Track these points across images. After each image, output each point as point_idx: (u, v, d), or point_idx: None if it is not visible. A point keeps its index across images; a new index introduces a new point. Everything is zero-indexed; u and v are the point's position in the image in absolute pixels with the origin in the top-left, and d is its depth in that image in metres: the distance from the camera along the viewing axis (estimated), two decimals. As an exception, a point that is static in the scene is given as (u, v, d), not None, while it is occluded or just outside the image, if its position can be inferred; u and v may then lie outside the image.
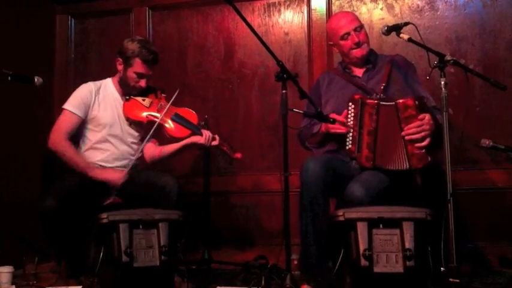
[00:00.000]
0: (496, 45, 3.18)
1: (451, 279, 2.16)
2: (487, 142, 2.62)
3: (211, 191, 3.14)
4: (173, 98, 2.78)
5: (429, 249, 2.02)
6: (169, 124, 2.78)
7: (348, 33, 2.66)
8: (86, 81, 2.95)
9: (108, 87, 2.86)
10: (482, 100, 3.15)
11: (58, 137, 2.68)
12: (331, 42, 2.80)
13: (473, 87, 3.09)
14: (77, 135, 2.79)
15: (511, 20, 3.16)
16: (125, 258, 2.08)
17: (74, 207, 2.46)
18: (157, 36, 3.74)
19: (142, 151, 2.87)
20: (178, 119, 2.79)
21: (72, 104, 2.74)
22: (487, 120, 3.15)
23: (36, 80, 2.46)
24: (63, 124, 2.71)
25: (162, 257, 2.13)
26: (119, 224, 2.11)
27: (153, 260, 2.13)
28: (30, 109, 3.41)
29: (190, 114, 2.85)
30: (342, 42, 2.69)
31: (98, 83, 2.85)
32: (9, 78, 2.37)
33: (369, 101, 2.48)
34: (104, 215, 2.14)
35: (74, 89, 2.85)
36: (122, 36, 3.03)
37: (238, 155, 2.86)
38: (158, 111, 2.78)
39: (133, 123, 2.83)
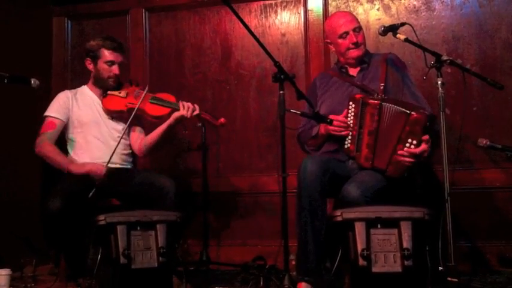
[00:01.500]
0: (493, 44, 3.17)
1: (449, 278, 2.17)
2: (484, 141, 2.62)
3: (209, 191, 3.13)
4: (147, 86, 2.86)
5: (427, 248, 2.02)
6: (149, 107, 2.83)
7: (347, 33, 2.66)
8: (83, 83, 3.00)
9: (85, 91, 2.96)
10: (479, 100, 3.15)
11: (41, 143, 2.76)
12: (328, 40, 2.79)
13: (471, 87, 3.08)
14: (63, 141, 2.86)
15: (508, 19, 3.16)
16: (122, 259, 2.08)
17: (78, 208, 2.47)
18: (155, 38, 3.74)
19: (130, 144, 2.93)
20: (156, 101, 2.84)
21: (52, 110, 2.85)
22: (485, 120, 3.14)
23: (32, 82, 2.49)
24: (46, 130, 2.80)
25: (160, 259, 2.13)
26: (116, 225, 2.11)
27: (151, 261, 2.12)
28: (29, 110, 3.41)
29: (167, 96, 2.89)
30: (340, 40, 2.68)
31: (73, 90, 2.97)
32: (6, 80, 2.40)
33: (371, 101, 2.47)
34: (102, 217, 2.14)
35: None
36: (119, 38, 3.03)
37: (222, 120, 2.87)
38: (136, 99, 2.84)
39: (115, 115, 2.89)
